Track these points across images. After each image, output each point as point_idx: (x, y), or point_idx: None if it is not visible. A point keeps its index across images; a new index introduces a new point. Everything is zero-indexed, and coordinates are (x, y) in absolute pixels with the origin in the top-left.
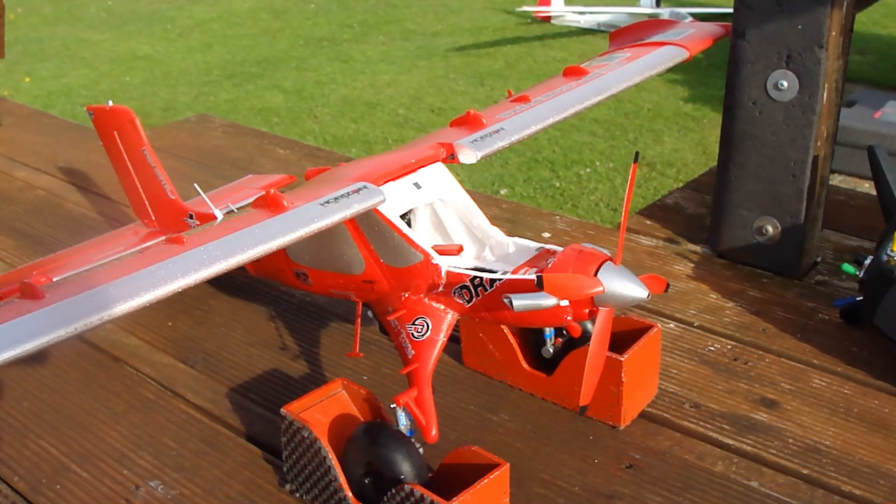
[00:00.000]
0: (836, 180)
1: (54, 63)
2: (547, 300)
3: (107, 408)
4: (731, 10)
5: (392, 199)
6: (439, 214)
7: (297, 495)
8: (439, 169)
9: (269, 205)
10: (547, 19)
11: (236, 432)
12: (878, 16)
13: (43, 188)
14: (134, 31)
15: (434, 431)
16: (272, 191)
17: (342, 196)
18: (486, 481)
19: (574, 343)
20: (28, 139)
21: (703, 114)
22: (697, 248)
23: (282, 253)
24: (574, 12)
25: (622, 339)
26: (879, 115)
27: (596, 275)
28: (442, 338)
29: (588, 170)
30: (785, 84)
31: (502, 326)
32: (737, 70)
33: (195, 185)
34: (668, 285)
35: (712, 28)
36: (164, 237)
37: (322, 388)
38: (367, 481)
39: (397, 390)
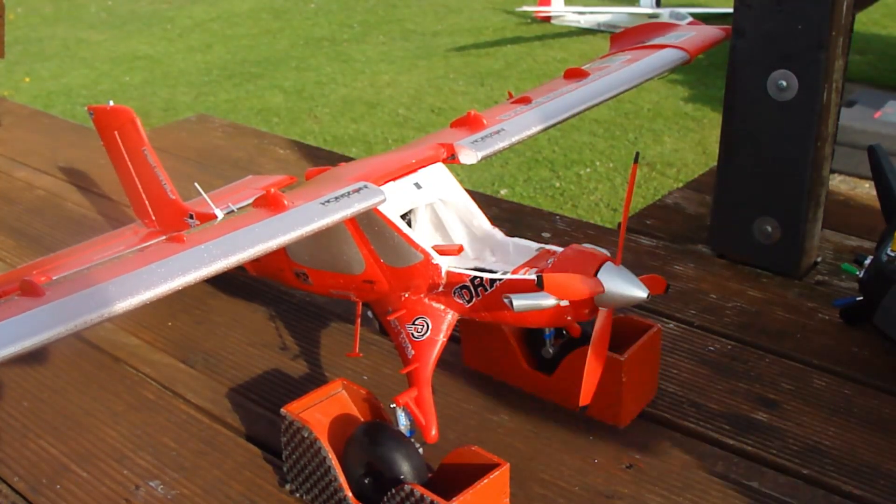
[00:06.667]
0: (836, 180)
1: (54, 63)
2: (547, 300)
3: (107, 408)
4: (731, 11)
5: (392, 199)
6: (439, 214)
7: (297, 495)
8: (440, 169)
9: (269, 204)
10: (547, 19)
11: (236, 432)
12: (878, 16)
13: (43, 188)
14: (134, 31)
15: (434, 431)
16: (272, 190)
17: (342, 196)
18: (486, 481)
19: (574, 343)
20: (28, 139)
21: (703, 114)
22: (697, 248)
23: (282, 252)
24: (574, 12)
25: (622, 339)
26: (879, 115)
27: (596, 275)
28: (442, 338)
29: (588, 170)
30: (785, 84)
31: (502, 326)
32: (737, 70)
33: (196, 184)
34: (668, 286)
35: (713, 31)
36: (164, 237)
37: (322, 388)
38: (367, 481)
39: (397, 390)
